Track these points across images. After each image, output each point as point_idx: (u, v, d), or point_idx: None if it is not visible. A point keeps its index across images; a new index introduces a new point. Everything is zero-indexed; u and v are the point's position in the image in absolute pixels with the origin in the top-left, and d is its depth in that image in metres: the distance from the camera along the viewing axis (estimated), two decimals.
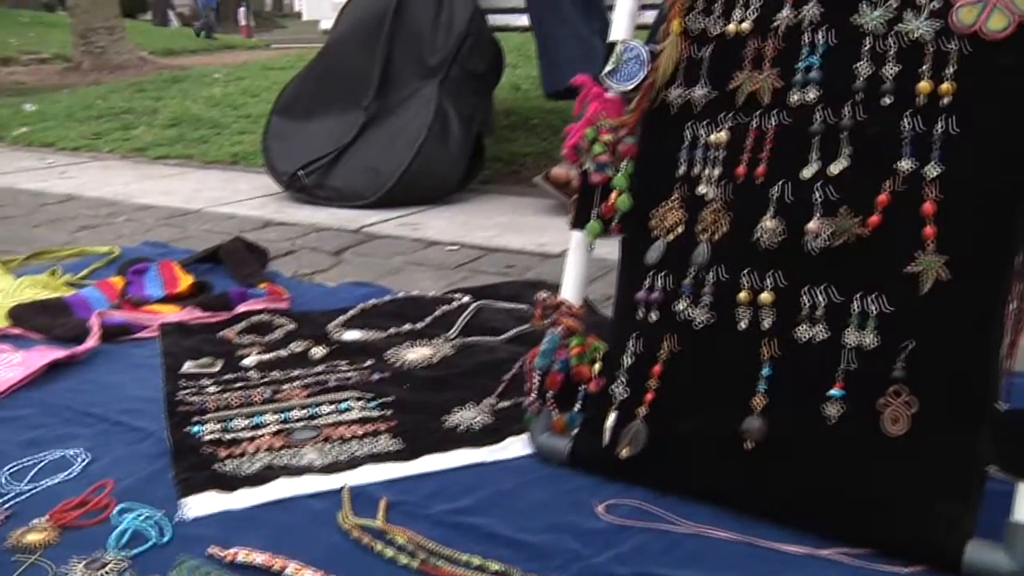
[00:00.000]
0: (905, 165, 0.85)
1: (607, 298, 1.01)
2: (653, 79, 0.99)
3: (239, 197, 2.44)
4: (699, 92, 0.97)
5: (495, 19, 2.42)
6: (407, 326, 1.43)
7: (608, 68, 1.01)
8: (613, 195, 1.00)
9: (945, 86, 0.85)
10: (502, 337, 1.37)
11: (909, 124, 0.86)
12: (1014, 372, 0.87)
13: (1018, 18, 0.82)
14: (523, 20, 2.28)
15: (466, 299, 1.53)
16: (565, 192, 1.95)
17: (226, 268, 1.74)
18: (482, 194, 2.39)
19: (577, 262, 1.03)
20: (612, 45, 1.02)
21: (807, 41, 0.92)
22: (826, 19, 0.91)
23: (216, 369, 1.29)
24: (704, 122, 0.97)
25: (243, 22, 21.20)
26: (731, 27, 0.97)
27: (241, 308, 1.50)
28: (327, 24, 2.66)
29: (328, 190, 2.28)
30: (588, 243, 1.02)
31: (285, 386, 1.22)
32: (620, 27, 1.03)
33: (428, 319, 1.45)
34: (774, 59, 0.94)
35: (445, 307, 1.50)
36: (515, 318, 1.45)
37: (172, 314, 1.49)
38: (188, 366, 1.29)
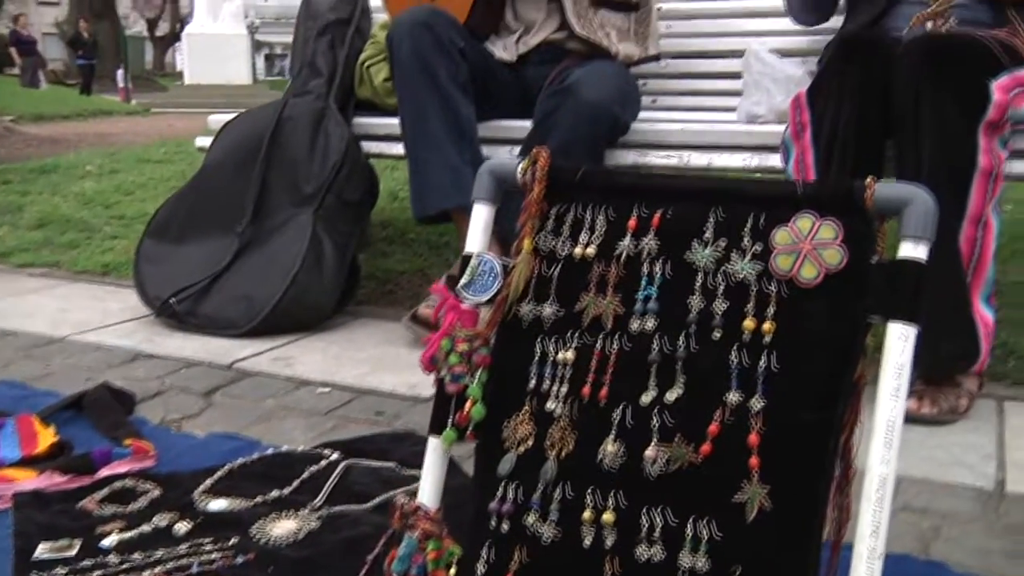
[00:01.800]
0: (733, 397, 0.92)
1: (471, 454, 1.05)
2: (506, 293, 1.05)
3: (109, 320, 2.39)
4: (548, 310, 1.03)
5: (370, 146, 2.47)
6: (274, 492, 1.43)
7: (463, 281, 1.07)
8: (468, 404, 1.04)
9: (767, 325, 0.93)
10: (367, 506, 1.39)
11: (736, 358, 0.93)
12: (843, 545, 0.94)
13: (825, 269, 0.92)
14: (398, 148, 2.34)
15: (335, 456, 1.55)
16: (433, 330, 2.00)
17: (90, 417, 1.71)
18: (356, 318, 2.41)
19: (434, 467, 1.07)
20: (467, 258, 1.08)
21: (646, 272, 0.99)
22: (663, 252, 0.99)
23: (73, 552, 1.26)
24: (553, 339, 1.03)
25: (121, 84, 20.72)
26: (578, 250, 1.03)
27: (104, 472, 1.48)
28: (203, 141, 2.65)
29: (201, 318, 2.26)
30: (444, 450, 1.06)
31: (145, 573, 1.21)
32: (475, 240, 1.09)
33: (296, 482, 1.46)
34: (616, 285, 1.00)
35: (313, 467, 1.51)
36: (382, 480, 1.48)
37: (28, 480, 1.46)
38: (42, 550, 1.26)
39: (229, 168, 2.44)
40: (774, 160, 1.99)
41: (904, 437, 1.63)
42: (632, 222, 1.01)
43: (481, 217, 1.09)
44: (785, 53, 2.42)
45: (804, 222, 0.93)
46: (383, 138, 2.45)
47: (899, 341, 0.88)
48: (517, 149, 2.22)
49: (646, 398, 0.96)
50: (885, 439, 0.87)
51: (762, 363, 0.92)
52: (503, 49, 2.34)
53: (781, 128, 1.89)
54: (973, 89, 1.65)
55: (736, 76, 2.41)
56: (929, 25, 1.86)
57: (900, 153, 1.74)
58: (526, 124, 2.21)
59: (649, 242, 1.00)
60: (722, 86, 2.58)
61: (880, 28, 1.95)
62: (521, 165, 1.08)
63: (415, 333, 2.12)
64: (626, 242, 1.01)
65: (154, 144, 5.71)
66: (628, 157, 2.17)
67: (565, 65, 2.27)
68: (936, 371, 1.71)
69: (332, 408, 1.81)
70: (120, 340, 2.21)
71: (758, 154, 2.06)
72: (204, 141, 2.64)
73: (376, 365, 2.02)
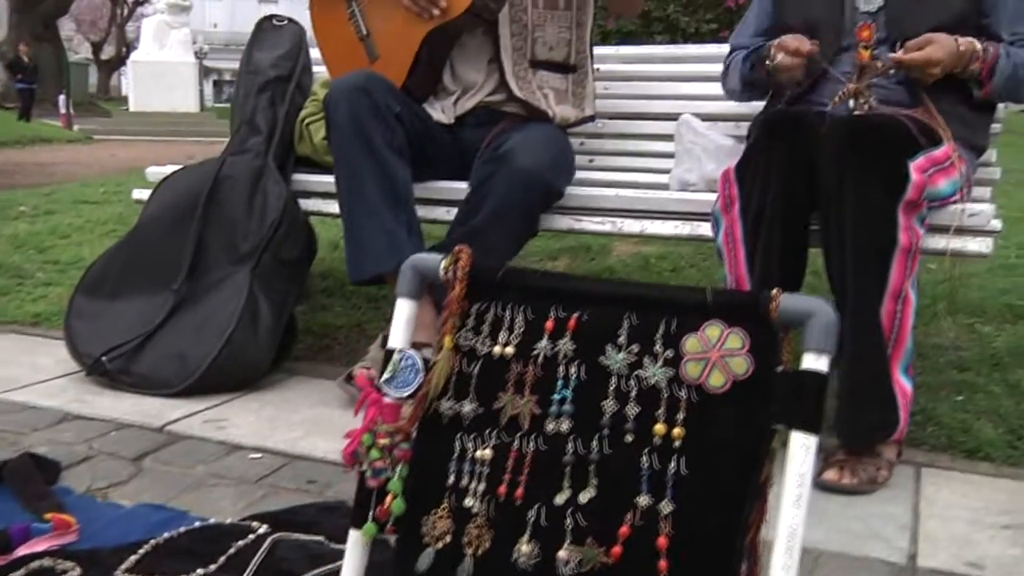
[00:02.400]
0: (643, 500, 0.95)
1: None
2: (427, 390, 1.07)
3: (38, 376, 2.36)
4: (468, 407, 1.06)
5: (309, 204, 2.47)
6: (199, 570, 1.42)
7: (386, 376, 1.09)
8: (388, 498, 1.06)
9: (677, 430, 0.96)
10: None
11: (647, 462, 0.96)
12: None
13: (733, 378, 0.95)
14: (337, 207, 2.35)
15: (262, 530, 1.55)
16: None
17: (10, 488, 1.69)
18: (293, 375, 2.40)
19: (354, 560, 1.08)
20: (391, 352, 1.09)
21: (562, 374, 1.02)
22: (578, 355, 1.02)
23: None
24: (472, 436, 1.05)
25: (63, 110, 20.39)
26: (497, 349, 1.06)
27: (22, 551, 1.46)
28: (140, 194, 2.64)
29: (134, 376, 2.24)
30: (364, 543, 1.07)
31: None
32: (397, 336, 1.10)
33: (222, 559, 1.46)
34: (533, 385, 1.03)
35: (240, 542, 1.50)
36: (309, 556, 1.47)
37: None
38: None
39: (166, 224, 2.43)
40: (705, 228, 2.04)
41: (823, 507, 1.68)
42: (550, 324, 1.04)
43: (404, 312, 1.11)
44: (718, 117, 2.50)
45: (713, 331, 0.97)
46: (322, 195, 2.46)
47: (801, 450, 0.91)
48: (454, 211, 2.25)
49: (560, 499, 0.98)
50: (787, 546, 0.90)
51: (672, 467, 0.95)
52: (441, 111, 2.37)
53: (712, 196, 1.95)
54: (893, 170, 1.72)
55: (670, 138, 2.47)
56: (852, 103, 1.93)
57: (825, 227, 1.80)
58: (462, 186, 2.24)
59: (565, 344, 1.03)
60: (657, 147, 2.64)
61: (805, 104, 2.02)
62: (443, 263, 1.10)
63: (349, 394, 2.13)
64: (543, 343, 1.04)
65: (92, 183, 5.63)
66: (563, 222, 2.21)
67: (502, 128, 2.30)
68: (857, 441, 1.76)
69: (263, 475, 1.80)
70: (49, 400, 2.18)
71: (689, 222, 2.11)
72: (141, 194, 2.62)
73: (310, 428, 2.02)
